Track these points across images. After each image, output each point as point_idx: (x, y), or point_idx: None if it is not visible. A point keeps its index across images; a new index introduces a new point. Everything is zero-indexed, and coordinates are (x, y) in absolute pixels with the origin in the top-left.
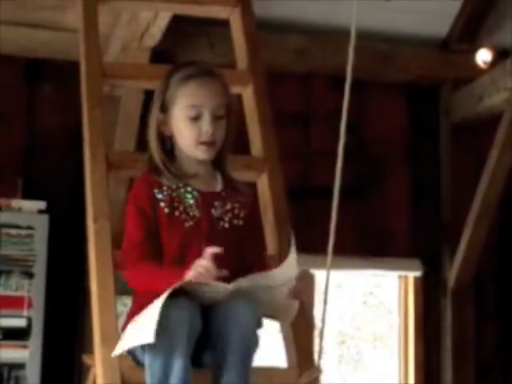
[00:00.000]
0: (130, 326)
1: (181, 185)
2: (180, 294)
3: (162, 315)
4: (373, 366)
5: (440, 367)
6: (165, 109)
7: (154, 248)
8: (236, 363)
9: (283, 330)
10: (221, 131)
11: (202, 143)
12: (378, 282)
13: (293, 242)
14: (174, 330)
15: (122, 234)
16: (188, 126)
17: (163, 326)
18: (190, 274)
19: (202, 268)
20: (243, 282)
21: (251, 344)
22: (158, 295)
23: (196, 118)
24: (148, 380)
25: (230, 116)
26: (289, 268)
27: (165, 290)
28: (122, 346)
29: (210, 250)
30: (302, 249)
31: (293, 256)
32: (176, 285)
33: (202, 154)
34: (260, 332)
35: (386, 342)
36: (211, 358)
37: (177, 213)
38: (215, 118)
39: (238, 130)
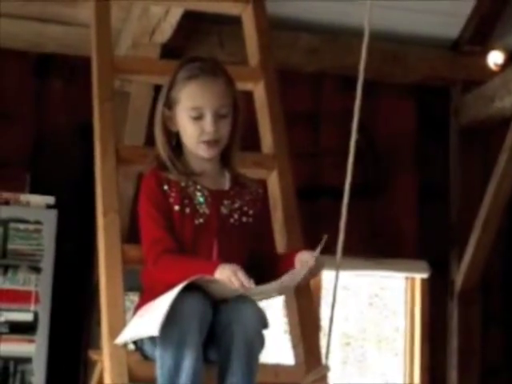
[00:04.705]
0: (137, 316)
1: (190, 183)
2: (192, 287)
3: (174, 307)
4: (377, 368)
5: (446, 370)
6: (170, 106)
7: (175, 241)
8: (241, 365)
9: (290, 328)
10: (224, 129)
11: (204, 142)
12: (384, 284)
13: (321, 245)
14: (185, 322)
15: (131, 228)
16: (190, 125)
17: (175, 318)
18: (221, 276)
19: (236, 279)
20: (256, 290)
21: (256, 345)
22: (167, 289)
23: (198, 118)
24: (158, 371)
25: (237, 113)
26: (300, 272)
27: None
28: (126, 335)
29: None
30: (310, 249)
31: (309, 263)
32: (190, 280)
33: (203, 152)
34: (265, 332)
35: (391, 343)
36: (216, 357)
37: (187, 210)
38: (218, 117)
39: (247, 127)
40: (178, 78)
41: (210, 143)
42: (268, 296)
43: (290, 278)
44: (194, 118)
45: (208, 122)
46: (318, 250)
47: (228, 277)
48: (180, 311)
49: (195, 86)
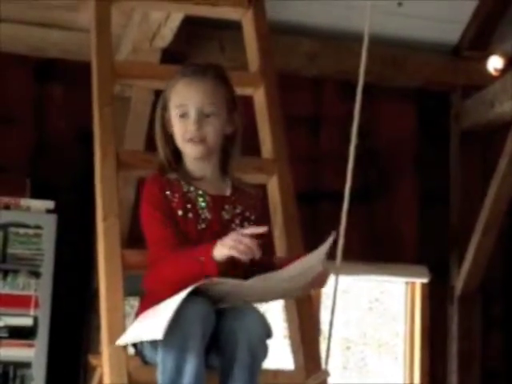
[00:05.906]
0: (139, 319)
1: (192, 188)
2: (196, 292)
3: (177, 312)
4: (378, 373)
5: (446, 374)
6: (165, 107)
7: (180, 241)
8: (244, 373)
9: (290, 332)
10: (209, 129)
11: (189, 140)
12: (384, 289)
13: (329, 241)
14: (188, 326)
15: (131, 233)
16: (177, 122)
17: (178, 323)
18: (227, 244)
19: (242, 245)
20: (259, 281)
21: (259, 354)
22: (168, 290)
23: (183, 116)
24: (159, 376)
25: (235, 118)
26: (308, 263)
27: (190, 269)
28: (129, 337)
29: (252, 230)
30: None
31: (320, 252)
32: (196, 285)
33: (190, 151)
34: (269, 341)
35: (391, 348)
36: (218, 364)
37: (190, 215)
38: (202, 116)
39: (247, 133)
40: (173, 80)
41: (195, 142)
42: (275, 295)
43: (298, 266)
44: (180, 115)
45: (191, 119)
46: (327, 245)
47: (230, 247)
48: (183, 316)
49: (182, 84)
